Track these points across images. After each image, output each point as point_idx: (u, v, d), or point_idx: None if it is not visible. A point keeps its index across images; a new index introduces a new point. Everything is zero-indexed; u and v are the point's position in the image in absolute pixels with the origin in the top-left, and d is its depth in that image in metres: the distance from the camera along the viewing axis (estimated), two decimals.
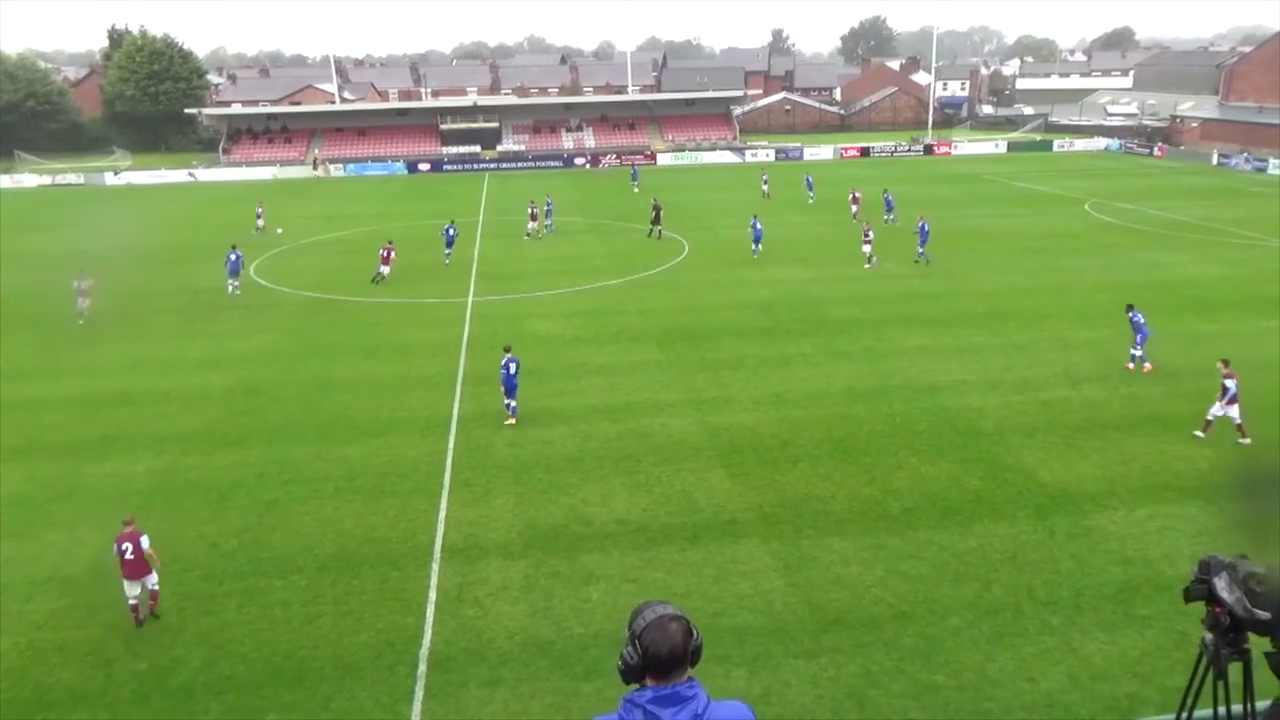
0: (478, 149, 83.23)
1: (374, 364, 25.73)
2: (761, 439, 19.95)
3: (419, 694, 12.01)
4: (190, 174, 76.80)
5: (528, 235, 44.96)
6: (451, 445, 19.99)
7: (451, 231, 39.50)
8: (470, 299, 32.88)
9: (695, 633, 3.39)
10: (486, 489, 17.85)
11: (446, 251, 38.98)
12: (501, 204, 57.89)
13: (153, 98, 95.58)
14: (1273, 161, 65.89)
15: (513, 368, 20.97)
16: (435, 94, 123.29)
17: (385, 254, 35.63)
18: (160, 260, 37.60)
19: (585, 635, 13.11)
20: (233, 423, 21.60)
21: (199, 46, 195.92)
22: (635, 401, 22.31)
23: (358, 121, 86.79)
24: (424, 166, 78.64)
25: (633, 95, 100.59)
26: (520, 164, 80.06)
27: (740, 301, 31.41)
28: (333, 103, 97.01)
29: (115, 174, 76.65)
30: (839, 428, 20.46)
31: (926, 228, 37.10)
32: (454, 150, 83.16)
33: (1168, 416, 20.66)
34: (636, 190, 60.08)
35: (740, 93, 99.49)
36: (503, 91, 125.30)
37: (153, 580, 13.63)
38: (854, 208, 47.56)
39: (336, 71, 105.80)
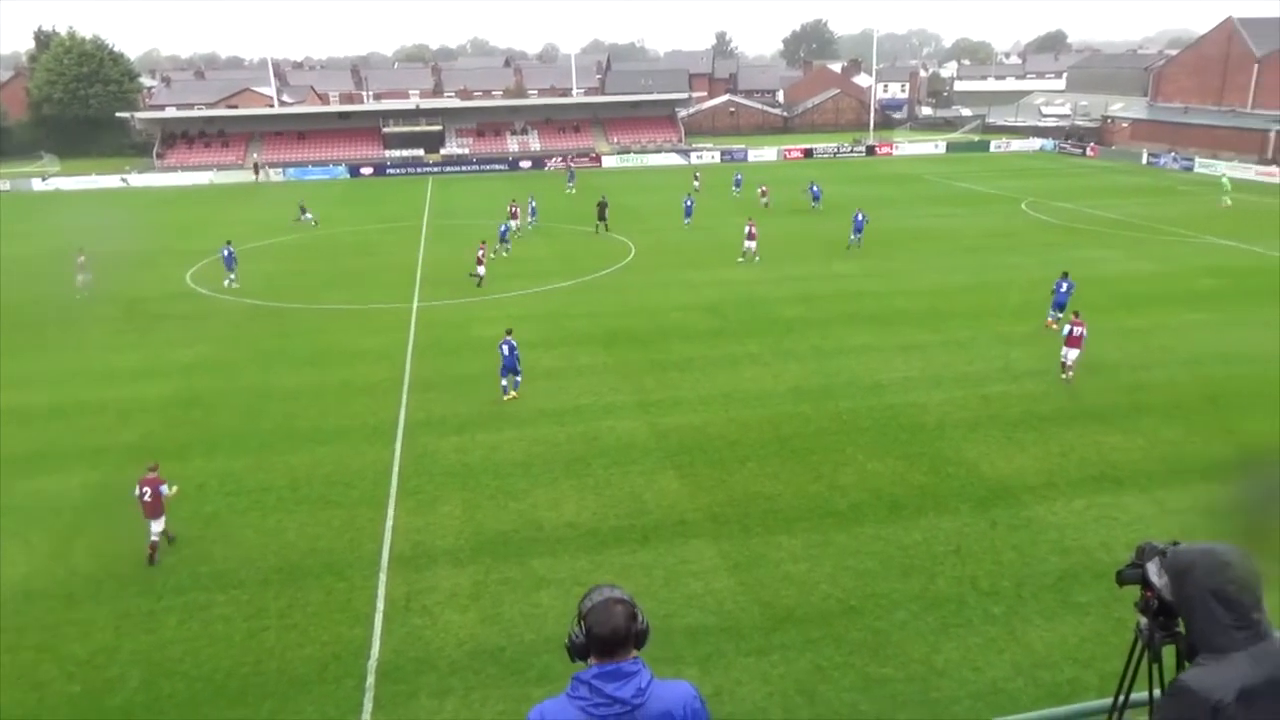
0: (421, 152, 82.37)
1: (317, 371, 25.30)
2: (710, 439, 20.03)
3: (367, 706, 11.82)
4: (123, 179, 74.71)
5: (519, 233, 45.64)
6: (398, 452, 19.73)
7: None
8: (415, 304, 32.51)
9: (640, 617, 3.53)
10: (434, 496, 17.64)
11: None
12: (446, 208, 57.38)
13: (82, 101, 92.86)
14: (1199, 160, 68.17)
15: (505, 349, 22.07)
16: (377, 97, 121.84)
17: (480, 254, 35.19)
18: (93, 268, 36.57)
19: (536, 641, 13.02)
20: (170, 434, 21.05)
21: (130, 48, 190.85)
22: (583, 404, 22.26)
23: (298, 125, 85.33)
24: (366, 170, 77.60)
25: (577, 98, 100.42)
26: (465, 167, 79.43)
27: (687, 303, 31.53)
28: (271, 106, 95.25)
29: (43, 180, 74.21)
30: (786, 426, 20.64)
31: (861, 218, 40.29)
32: (397, 154, 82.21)
33: (1103, 409, 21.22)
34: (572, 191, 59.95)
35: (685, 95, 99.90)
36: (446, 94, 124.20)
37: (162, 524, 15.22)
38: (763, 200, 52.57)
39: (275, 74, 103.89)
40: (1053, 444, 19.35)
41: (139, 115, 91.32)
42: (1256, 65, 72.98)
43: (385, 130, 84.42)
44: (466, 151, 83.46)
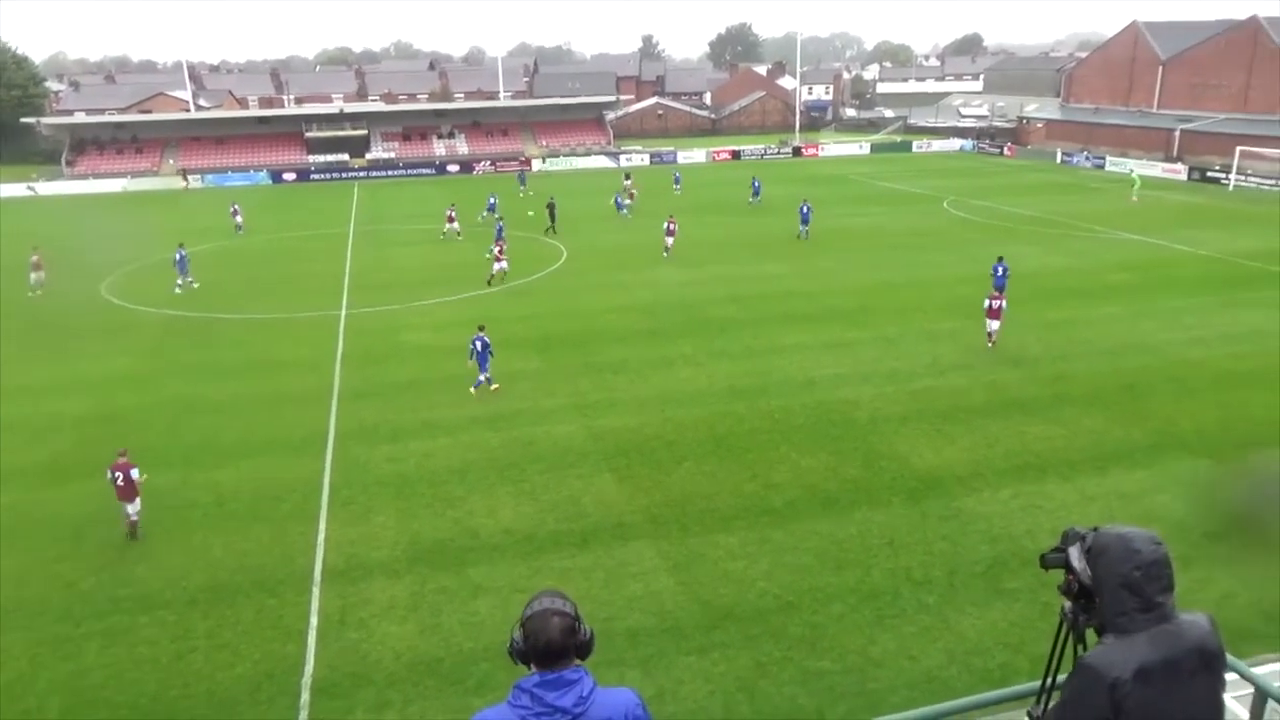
0: (346, 157, 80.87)
1: (243, 383, 24.62)
2: (646, 441, 20.07)
3: None
4: (29, 187, 71.64)
5: (443, 235, 45.63)
6: (329, 464, 19.31)
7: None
8: (344, 312, 31.89)
9: (580, 628, 3.51)
10: (367, 507, 17.32)
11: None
12: (373, 213, 56.42)
13: None
14: (1109, 159, 70.83)
15: (477, 345, 22.63)
16: (298, 101, 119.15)
17: (499, 250, 35.68)
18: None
19: (475, 650, 12.88)
20: (86, 452, 20.20)
21: (35, 51, 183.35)
22: (518, 409, 22.10)
23: (216, 130, 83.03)
24: (289, 176, 75.88)
25: (505, 101, 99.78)
26: (391, 172, 78.23)
27: (621, 305, 31.56)
28: (187, 111, 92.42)
29: None
30: (721, 426, 20.79)
31: (807, 209, 43.13)
32: (321, 159, 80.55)
33: (1026, 401, 21.87)
34: (526, 194, 59.44)
35: (613, 98, 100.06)
36: (370, 98, 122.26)
37: (134, 508, 15.93)
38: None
39: (190, 78, 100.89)
40: (979, 436, 19.86)
41: (45, 121, 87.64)
42: (1161, 67, 76.12)
43: (308, 135, 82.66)
44: (393, 156, 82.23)
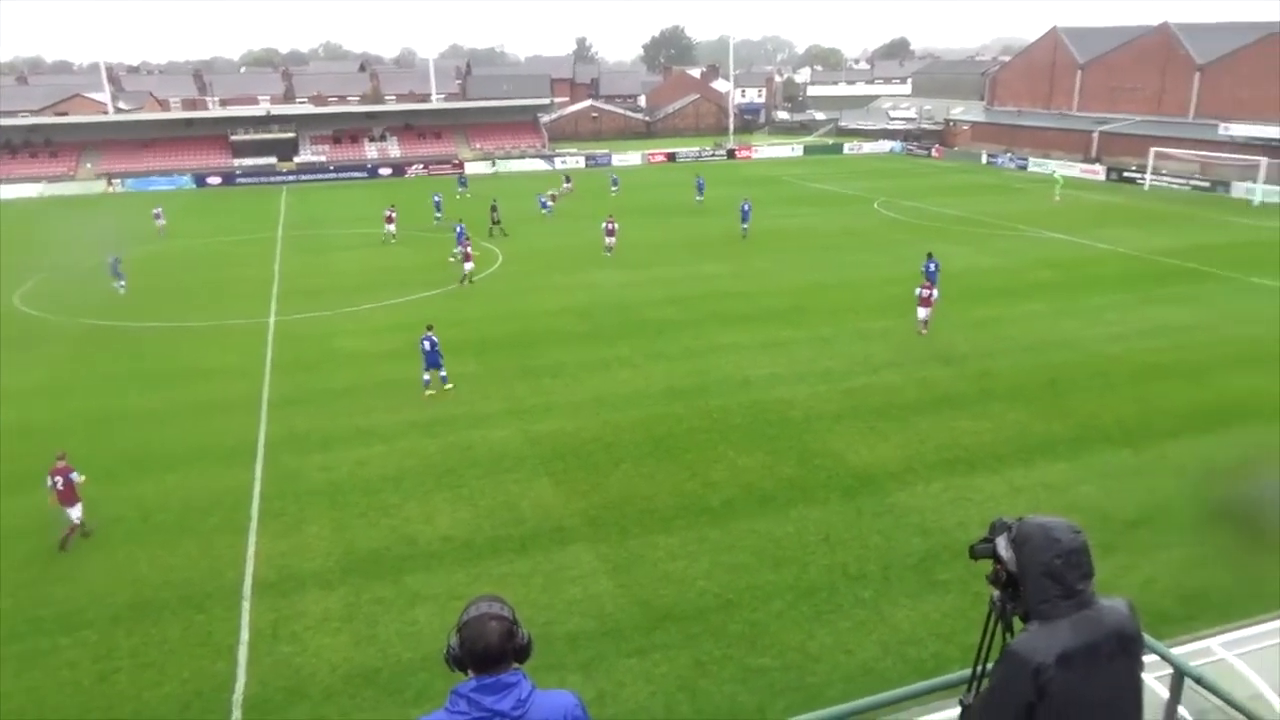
0: (274, 161, 79.04)
1: (168, 393, 23.88)
2: (584, 444, 20.02)
3: None
4: None
5: (383, 238, 45.08)
6: (259, 474, 18.85)
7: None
8: (272, 318, 31.16)
9: (518, 632, 3.49)
10: (299, 517, 16.94)
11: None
12: (303, 217, 55.26)
13: None
14: (1032, 160, 72.98)
15: (426, 345, 22.78)
16: (223, 103, 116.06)
17: (467, 251, 35.98)
18: None
19: (414, 659, 12.69)
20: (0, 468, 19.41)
21: None
22: (454, 414, 21.85)
23: (137, 133, 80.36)
24: (214, 180, 73.89)
25: (438, 103, 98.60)
26: (321, 175, 76.73)
27: (557, 307, 31.43)
28: (106, 113, 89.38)
29: None
30: (659, 427, 20.84)
31: (747, 207, 44.62)
32: (247, 162, 78.60)
33: (955, 397, 22.39)
34: (465, 196, 58.75)
35: (547, 100, 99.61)
36: (298, 100, 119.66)
37: (78, 511, 15.80)
38: (565, 185, 59.77)
39: (109, 79, 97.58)
40: (911, 432, 20.26)
41: None
42: (1079, 71, 78.71)
43: (234, 138, 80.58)
44: (323, 159, 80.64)
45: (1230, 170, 57.17)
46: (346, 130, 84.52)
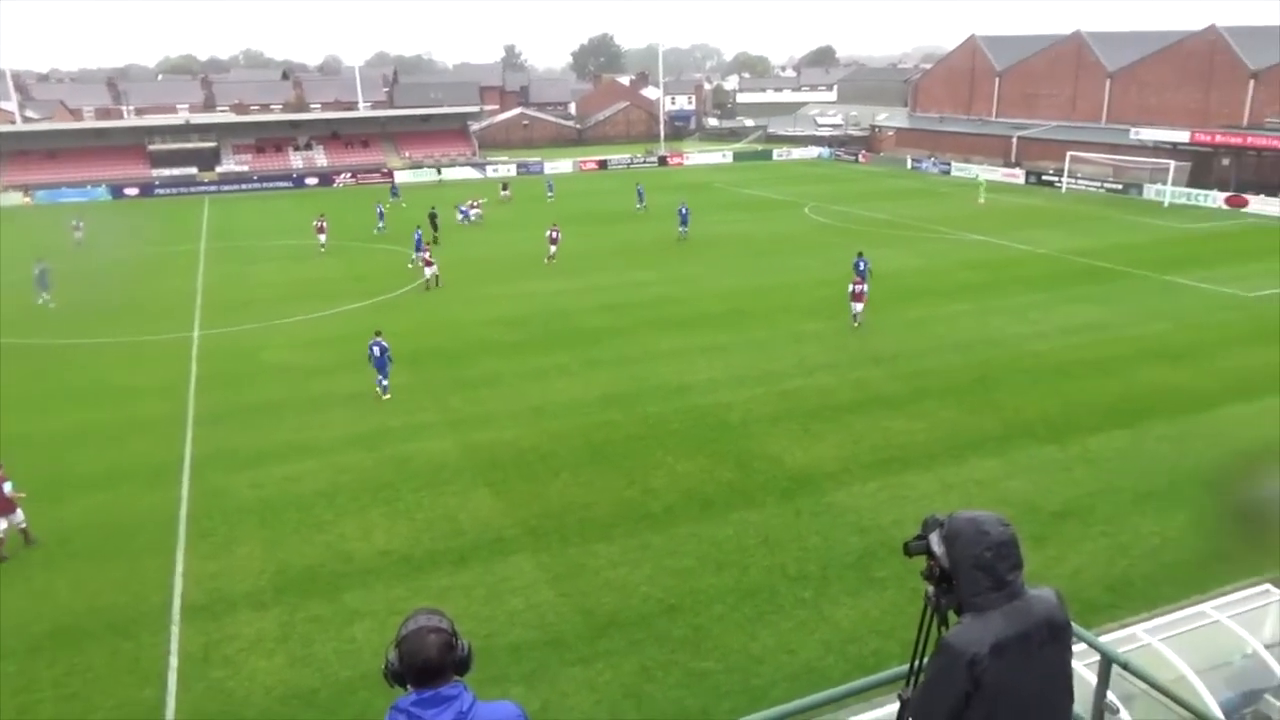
0: (194, 171, 76.85)
1: (87, 412, 23.01)
2: (522, 453, 19.88)
3: None
4: None
5: (322, 248, 44.44)
6: (185, 493, 18.27)
7: None
8: (196, 333, 30.27)
9: (457, 644, 3.46)
10: (230, 536, 16.47)
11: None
12: (227, 228, 53.83)
13: None
14: (955, 164, 74.96)
15: (375, 350, 22.93)
16: (139, 112, 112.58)
17: (425, 258, 36.40)
18: None
19: (352, 678, 12.43)
20: None
21: None
22: (389, 427, 21.50)
23: (46, 143, 77.33)
24: (131, 191, 71.54)
25: (364, 111, 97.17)
26: (245, 185, 74.89)
27: (492, 317, 31.17)
28: (13, 123, 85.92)
29: None
30: (598, 435, 20.81)
31: (685, 210, 45.80)
32: (166, 173, 76.27)
33: (888, 396, 22.83)
34: (400, 205, 57.86)
35: (477, 108, 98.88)
36: (219, 109, 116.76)
37: (19, 518, 15.99)
38: (503, 193, 61.64)
39: (15, 87, 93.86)
40: (846, 432, 20.59)
41: None
42: (997, 79, 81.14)
43: (151, 148, 78.13)
44: (246, 169, 78.71)
45: (1142, 173, 59.52)
46: (270, 139, 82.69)
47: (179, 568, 15.44)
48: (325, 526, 16.75)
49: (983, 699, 3.53)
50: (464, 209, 52.40)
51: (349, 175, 76.94)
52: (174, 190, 72.81)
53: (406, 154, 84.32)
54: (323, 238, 44.47)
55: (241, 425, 21.76)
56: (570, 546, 15.86)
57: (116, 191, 71.19)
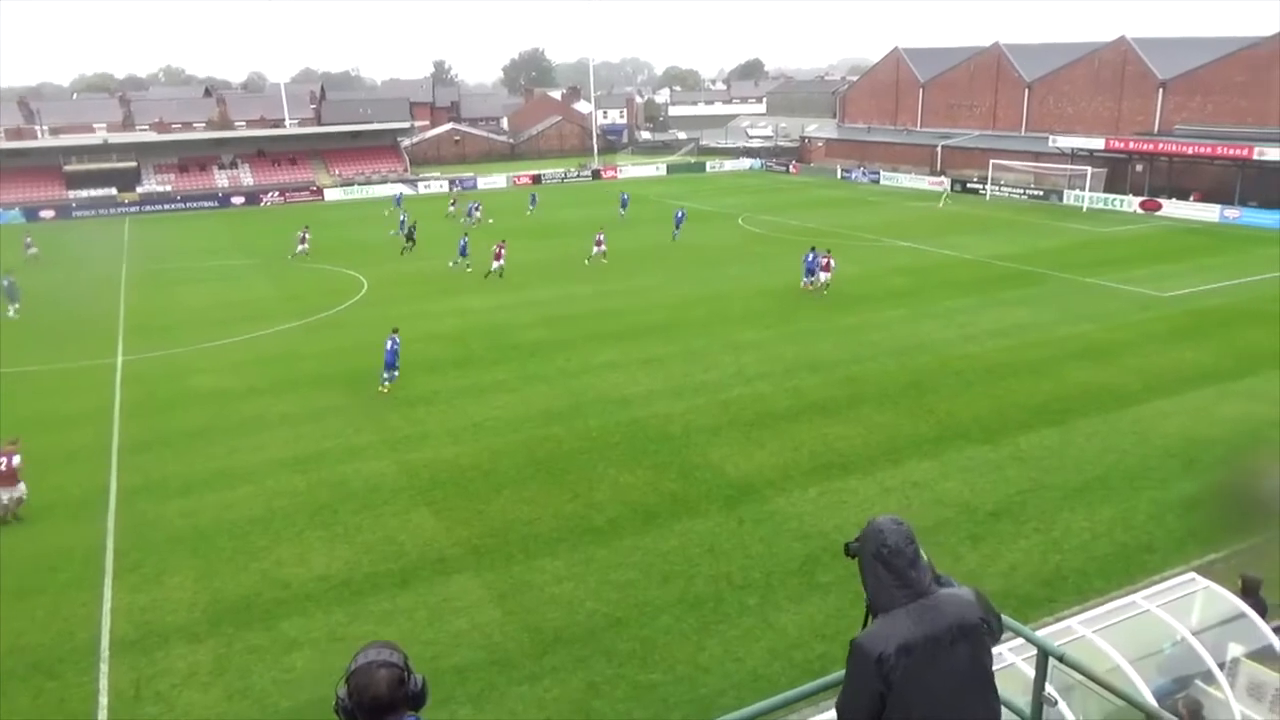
0: (114, 191, 74.52)
1: None
2: (463, 471, 19.65)
3: None
4: None
5: (295, 255, 46.03)
6: (112, 525, 17.63)
7: None
8: (120, 359, 29.29)
9: (410, 679, 3.36)
10: (160, 568, 15.93)
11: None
12: (150, 250, 52.25)
13: None
14: (883, 173, 76.59)
15: (388, 345, 24.71)
16: (54, 131, 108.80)
17: (498, 250, 39.68)
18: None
19: (292, 708, 12.09)
20: None
21: None
22: (326, 449, 21.06)
23: None
24: (47, 213, 69.02)
25: (291, 129, 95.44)
26: (168, 206, 72.88)
27: (429, 334, 30.77)
28: None
29: None
30: (539, 450, 20.68)
31: (681, 214, 50.03)
32: (84, 194, 73.77)
33: (825, 402, 23.14)
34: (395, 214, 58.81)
35: (407, 124, 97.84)
36: (139, 127, 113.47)
37: (20, 490, 17.67)
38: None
39: None
40: (786, 439, 20.81)
41: None
42: (921, 90, 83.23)
43: (67, 168, 75.52)
44: (169, 189, 76.60)
45: (1061, 179, 61.57)
46: (194, 158, 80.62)
47: (107, 603, 14.87)
48: (260, 553, 16.32)
49: (897, 698, 3.61)
50: (472, 207, 58.37)
51: (277, 194, 75.46)
52: (93, 212, 70.50)
53: (336, 171, 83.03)
54: (304, 247, 46.32)
55: (171, 452, 21.10)
56: (514, 564, 15.70)
57: (31, 214, 68.61)
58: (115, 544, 16.85)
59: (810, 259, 35.45)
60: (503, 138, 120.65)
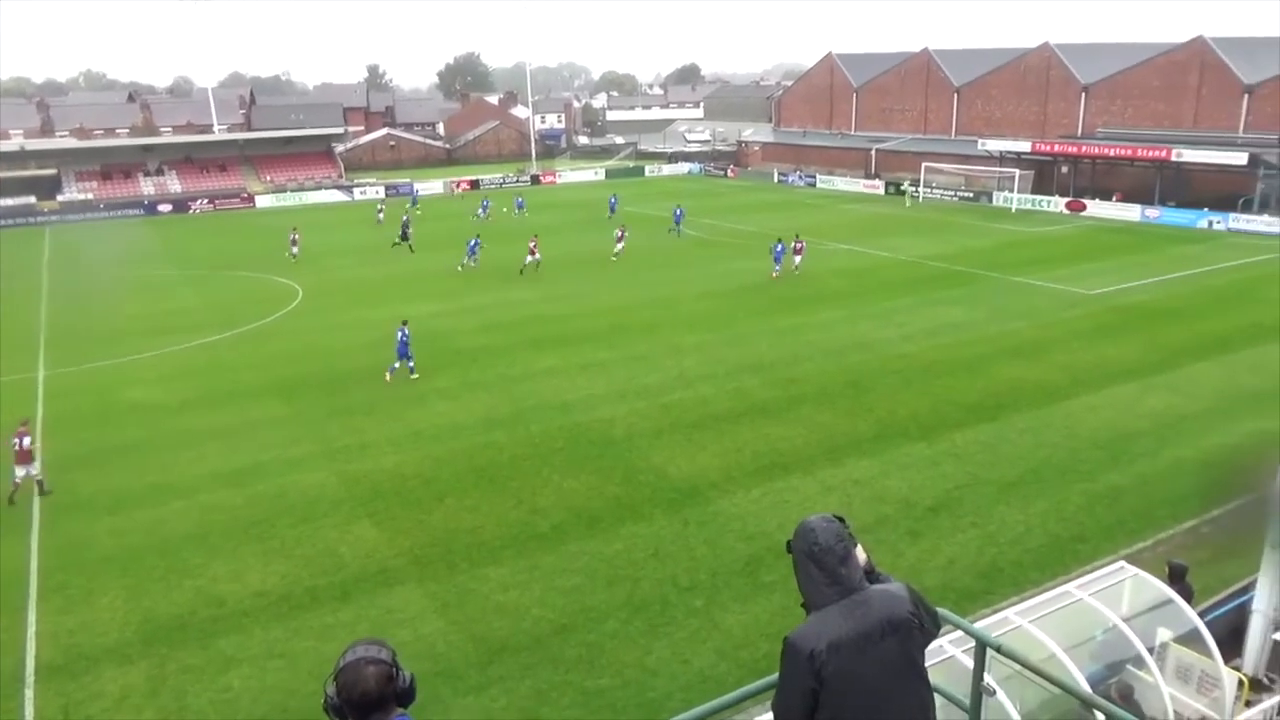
0: (32, 200, 71.84)
1: None
2: (404, 480, 19.38)
3: None
4: None
5: (292, 256, 46.20)
6: (35, 546, 16.98)
7: None
8: (41, 372, 28.25)
9: (398, 675, 3.43)
10: (88, 589, 15.38)
11: None
12: (72, 260, 50.53)
13: None
14: (820, 177, 77.69)
15: (399, 335, 25.91)
16: None
17: (533, 245, 40.82)
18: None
19: None
20: None
21: None
22: (262, 462, 20.58)
23: None
24: None
25: (220, 135, 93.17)
26: (91, 214, 70.49)
27: (367, 342, 30.25)
28: None
29: None
30: (481, 457, 20.50)
31: (680, 212, 52.09)
32: (1, 203, 71.12)
33: (766, 404, 23.37)
34: (417, 212, 59.91)
35: (340, 129, 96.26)
36: (58, 134, 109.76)
37: (35, 468, 18.68)
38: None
39: None
40: (728, 441, 20.95)
41: None
42: (855, 94, 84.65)
43: None
44: (91, 197, 74.16)
45: (990, 181, 63.19)
46: (118, 165, 78.21)
47: (31, 626, 14.32)
48: (195, 571, 15.87)
49: (829, 693, 3.67)
50: (485, 204, 62.81)
51: (206, 201, 73.60)
52: (10, 221, 67.84)
53: (268, 178, 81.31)
54: (295, 249, 46.41)
55: (99, 468, 20.41)
56: (458, 573, 15.53)
57: None
58: (40, 564, 16.24)
59: (779, 249, 38.18)
60: (439, 143, 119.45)
